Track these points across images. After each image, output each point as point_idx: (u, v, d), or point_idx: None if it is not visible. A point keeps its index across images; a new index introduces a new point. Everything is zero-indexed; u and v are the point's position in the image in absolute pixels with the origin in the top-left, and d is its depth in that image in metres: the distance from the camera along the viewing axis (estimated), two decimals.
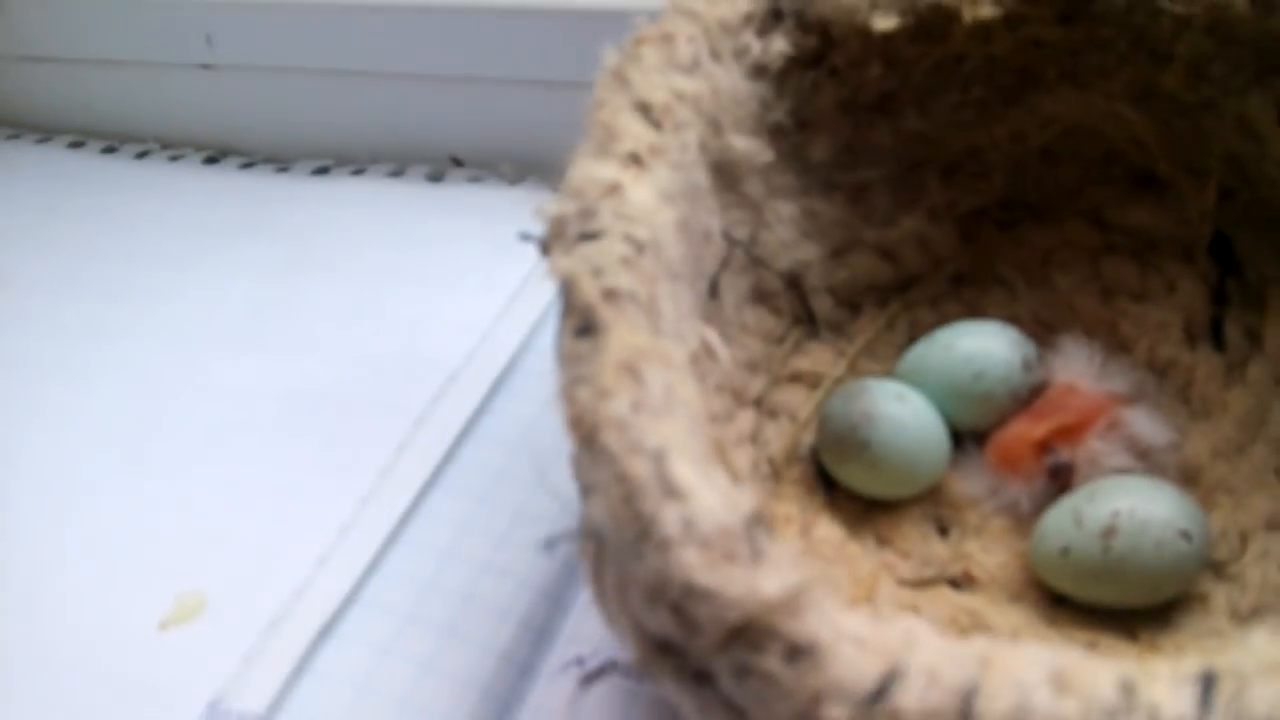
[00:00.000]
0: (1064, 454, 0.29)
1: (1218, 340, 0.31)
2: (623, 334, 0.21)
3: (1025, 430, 0.29)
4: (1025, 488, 0.29)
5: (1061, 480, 0.29)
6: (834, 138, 0.31)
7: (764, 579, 0.17)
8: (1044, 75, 0.30)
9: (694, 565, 0.18)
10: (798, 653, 0.17)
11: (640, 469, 0.19)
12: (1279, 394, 0.29)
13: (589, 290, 0.22)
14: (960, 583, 0.29)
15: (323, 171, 0.51)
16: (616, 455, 0.19)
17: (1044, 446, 0.29)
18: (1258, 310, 0.30)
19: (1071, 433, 0.29)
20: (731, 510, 0.18)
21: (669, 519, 0.18)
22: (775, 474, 0.31)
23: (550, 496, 0.28)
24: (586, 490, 0.20)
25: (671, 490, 0.19)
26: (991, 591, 0.29)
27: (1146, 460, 0.28)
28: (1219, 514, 0.28)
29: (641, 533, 0.18)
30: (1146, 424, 0.29)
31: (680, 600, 0.18)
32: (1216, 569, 0.27)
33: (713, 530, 0.18)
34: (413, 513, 0.33)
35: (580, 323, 0.22)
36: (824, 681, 0.17)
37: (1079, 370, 0.30)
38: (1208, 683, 0.16)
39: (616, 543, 0.19)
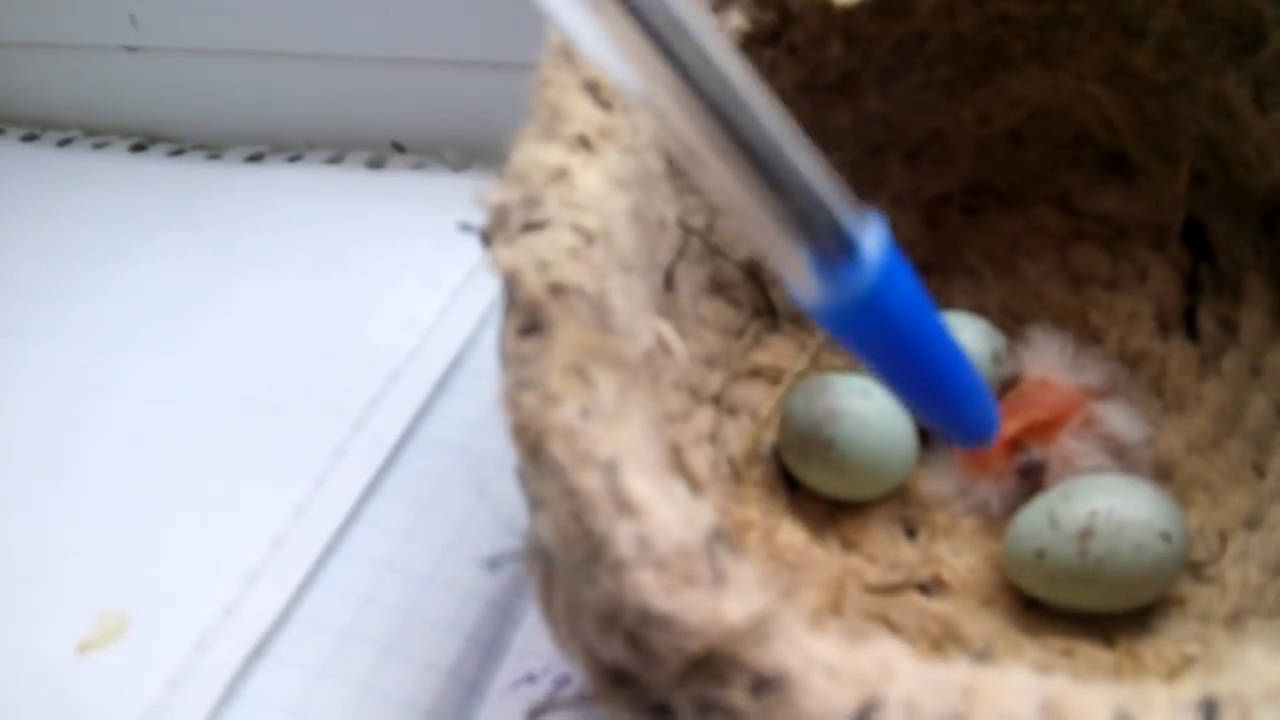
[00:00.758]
0: (1036, 453, 0.27)
1: (1191, 330, 0.30)
2: (571, 332, 0.20)
3: None
4: (995, 487, 0.28)
5: (1034, 480, 0.27)
6: (793, 119, 0.29)
7: (727, 603, 0.16)
8: (1011, 54, 0.29)
9: (650, 589, 0.16)
10: (765, 685, 0.16)
11: (591, 482, 0.17)
12: (1255, 386, 0.28)
13: (534, 285, 0.20)
14: (930, 587, 0.28)
15: (256, 159, 0.49)
16: (565, 467, 0.18)
17: (1015, 445, 0.27)
18: (1232, 299, 0.29)
19: (1044, 430, 0.27)
20: (691, 526, 0.17)
21: (622, 538, 0.17)
22: (736, 475, 0.29)
23: (492, 513, 0.26)
24: (533, 505, 0.19)
25: (625, 505, 0.17)
26: (962, 596, 0.27)
27: (1122, 458, 0.27)
28: (1195, 512, 0.27)
29: (592, 553, 0.17)
30: (1122, 420, 0.27)
31: (636, 627, 0.16)
32: (1194, 570, 0.26)
33: (670, 550, 0.16)
34: (351, 523, 0.31)
35: (525, 321, 0.20)
36: (795, 716, 0.15)
37: (1051, 363, 0.29)
38: (1209, 710, 0.15)
39: (565, 563, 0.18)
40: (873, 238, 0.19)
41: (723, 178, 0.17)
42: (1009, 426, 0.28)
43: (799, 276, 0.19)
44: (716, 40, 0.16)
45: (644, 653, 0.16)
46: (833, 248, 0.18)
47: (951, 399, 0.22)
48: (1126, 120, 0.29)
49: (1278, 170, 0.27)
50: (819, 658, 0.16)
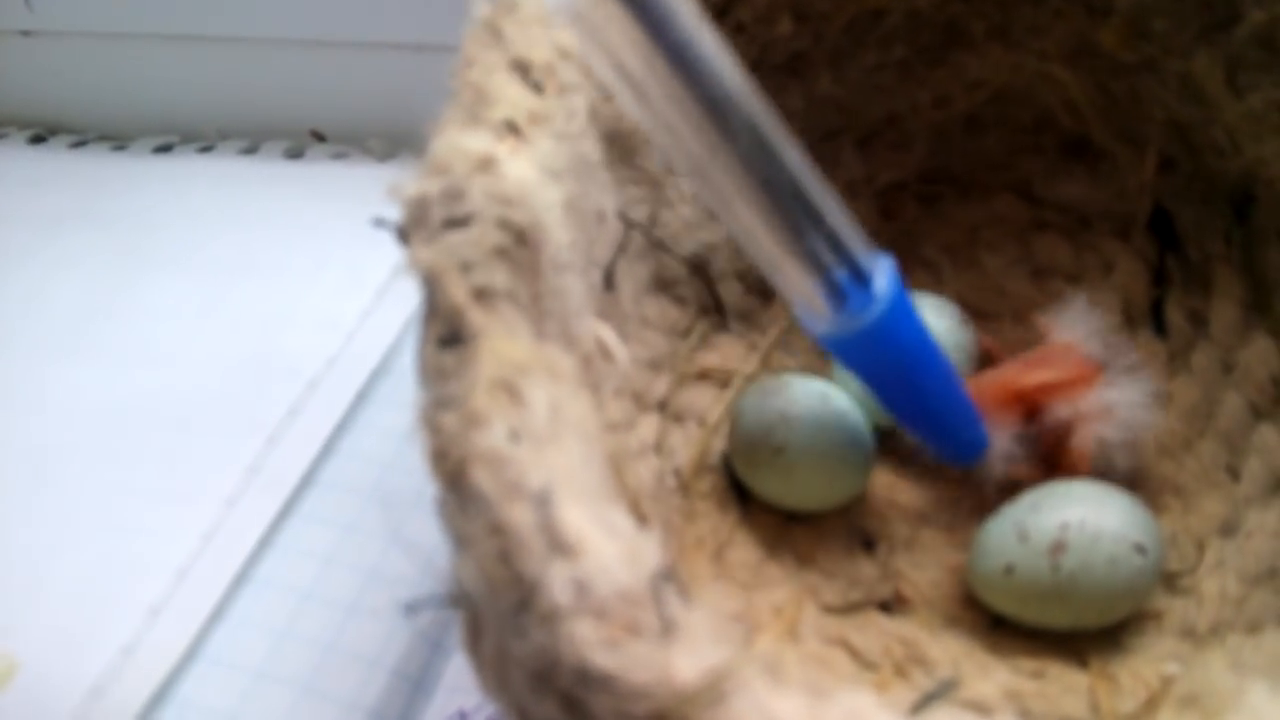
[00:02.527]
0: (1062, 409, 0.26)
1: (1159, 325, 0.28)
2: (498, 343, 0.18)
3: (1013, 376, 0.26)
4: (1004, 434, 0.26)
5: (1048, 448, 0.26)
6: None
7: (678, 658, 0.14)
8: (971, 32, 0.28)
9: (589, 642, 0.14)
10: None
11: (520, 517, 0.15)
12: (1227, 383, 0.27)
13: (455, 289, 0.18)
14: (891, 605, 0.26)
15: (165, 150, 0.47)
16: (490, 499, 0.16)
17: (1031, 402, 0.26)
18: (1202, 291, 0.28)
19: (1063, 390, 0.26)
20: (635, 566, 0.15)
21: (556, 582, 0.15)
22: (683, 488, 0.27)
23: (408, 553, 0.24)
24: (454, 544, 0.16)
25: (559, 544, 0.15)
26: (925, 614, 0.26)
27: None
28: (1168, 518, 0.26)
29: (522, 600, 0.15)
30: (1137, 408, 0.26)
31: (572, 687, 0.14)
32: (1169, 582, 0.25)
33: (612, 595, 0.14)
34: (264, 548, 0.29)
35: (445, 330, 0.18)
36: None
37: (1083, 333, 0.27)
38: None
39: (492, 611, 0.16)
40: (883, 272, 0.21)
41: (742, 209, 0.18)
42: (1028, 378, 0.26)
43: (813, 305, 0.20)
44: (738, 75, 0.17)
45: (582, 717, 0.14)
46: (847, 280, 0.20)
47: (947, 423, 0.24)
48: (1091, 103, 0.28)
49: (1250, 156, 0.26)
50: (783, 718, 0.14)
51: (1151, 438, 0.26)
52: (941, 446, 0.25)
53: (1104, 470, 0.26)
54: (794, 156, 0.18)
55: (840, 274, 0.20)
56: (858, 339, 0.21)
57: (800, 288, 0.20)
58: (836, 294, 0.20)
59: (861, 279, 0.20)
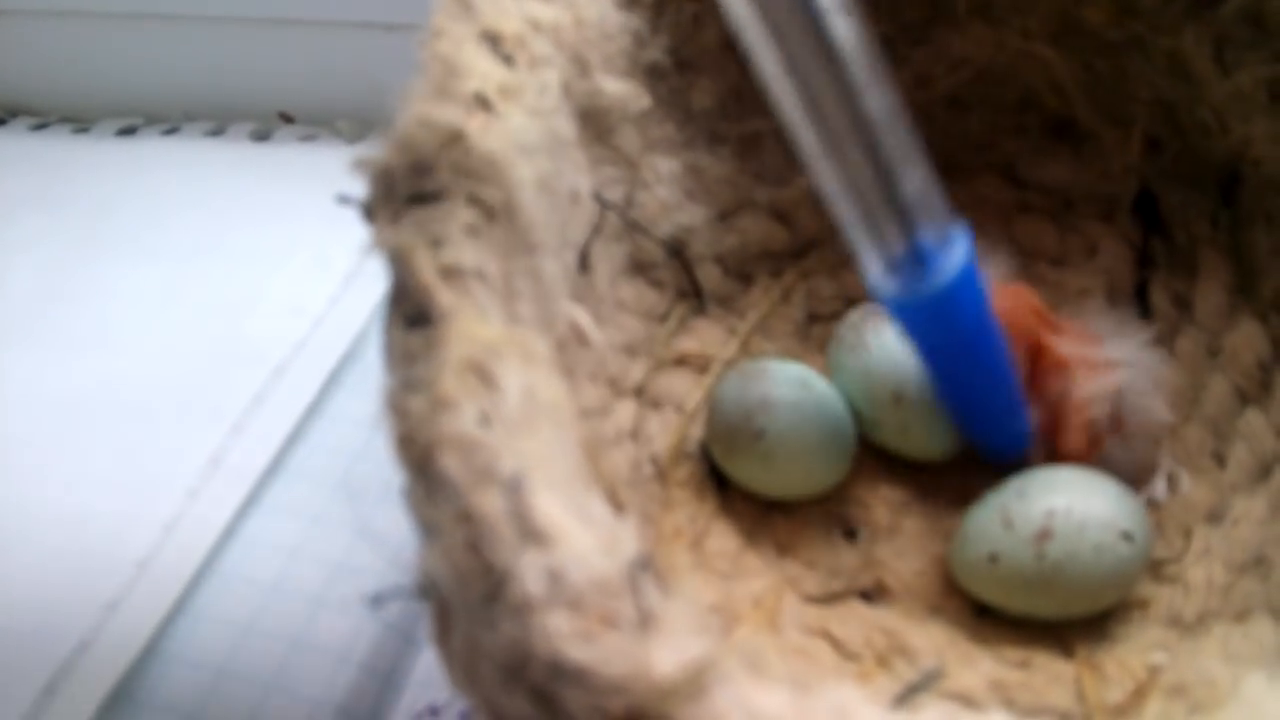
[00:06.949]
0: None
1: (1144, 308, 0.28)
2: (468, 324, 0.17)
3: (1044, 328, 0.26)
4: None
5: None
6: (719, 81, 0.27)
7: (656, 650, 0.13)
8: (954, 10, 0.27)
9: (562, 635, 0.14)
10: None
11: (490, 504, 0.15)
12: (1213, 367, 0.26)
13: (424, 268, 0.18)
14: (872, 594, 0.25)
15: (129, 132, 0.46)
16: (459, 486, 0.15)
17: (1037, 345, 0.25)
18: (1187, 275, 0.27)
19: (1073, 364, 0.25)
20: (611, 555, 0.14)
21: (529, 572, 0.14)
22: (660, 476, 0.27)
23: (376, 545, 0.23)
24: (422, 532, 0.16)
25: (531, 532, 0.14)
26: (907, 603, 0.25)
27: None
28: (1153, 505, 0.25)
29: (492, 591, 0.14)
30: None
31: (545, 682, 0.14)
32: (1155, 570, 0.25)
33: (587, 585, 0.14)
34: (228, 540, 0.28)
35: (413, 310, 0.18)
36: None
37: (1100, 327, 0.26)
38: None
39: (461, 603, 0.15)
40: (959, 243, 0.21)
41: (849, 147, 0.19)
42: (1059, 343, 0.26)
43: (893, 259, 0.21)
44: (849, 33, 0.18)
45: (555, 712, 0.14)
46: (929, 240, 0.20)
47: (995, 410, 0.25)
48: (1076, 82, 0.28)
49: (1238, 136, 0.25)
50: (767, 713, 0.13)
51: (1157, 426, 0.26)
52: (987, 435, 0.25)
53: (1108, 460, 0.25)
54: (894, 104, 0.18)
55: (924, 231, 0.20)
56: (927, 304, 0.21)
57: (886, 241, 0.20)
58: (916, 254, 0.20)
59: (939, 246, 0.21)
